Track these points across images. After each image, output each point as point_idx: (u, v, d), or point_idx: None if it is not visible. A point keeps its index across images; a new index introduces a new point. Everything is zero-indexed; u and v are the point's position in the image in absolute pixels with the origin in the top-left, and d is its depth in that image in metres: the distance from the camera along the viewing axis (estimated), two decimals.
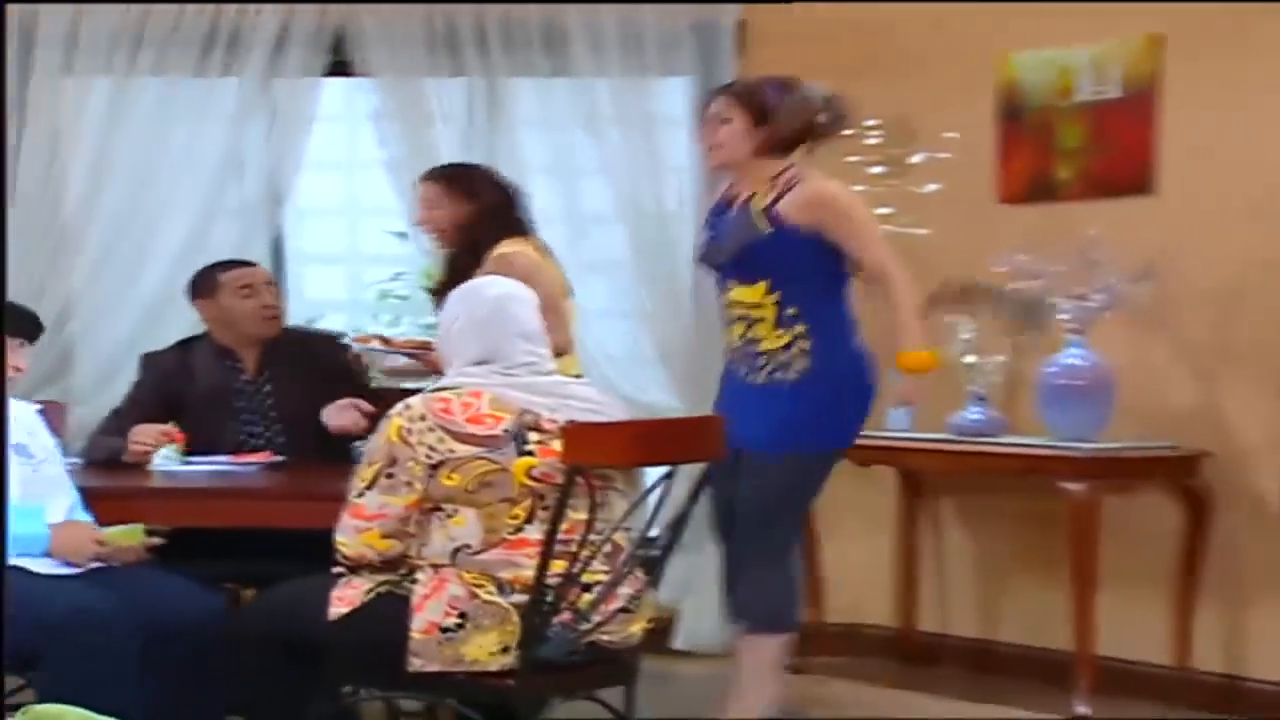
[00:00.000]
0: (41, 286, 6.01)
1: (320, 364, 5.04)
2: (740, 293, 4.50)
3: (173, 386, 4.96)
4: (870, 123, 5.84)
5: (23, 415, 4.13)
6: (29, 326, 4.16)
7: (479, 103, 6.12)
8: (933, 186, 5.77)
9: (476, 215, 5.00)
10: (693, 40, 6.07)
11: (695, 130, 5.17)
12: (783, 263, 4.43)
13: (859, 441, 5.63)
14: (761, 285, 4.46)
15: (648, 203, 6.03)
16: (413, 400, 3.72)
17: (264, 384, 5.00)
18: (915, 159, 5.84)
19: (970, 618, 5.95)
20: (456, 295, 3.94)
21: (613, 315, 5.98)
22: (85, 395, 6.07)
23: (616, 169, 6.03)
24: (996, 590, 5.90)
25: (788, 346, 4.47)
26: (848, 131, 5.82)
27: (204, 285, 5.06)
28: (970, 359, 5.55)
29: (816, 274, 4.48)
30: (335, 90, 6.31)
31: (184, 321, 5.96)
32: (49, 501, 4.00)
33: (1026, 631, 5.78)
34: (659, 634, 5.56)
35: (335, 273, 6.70)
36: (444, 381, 3.82)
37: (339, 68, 6.10)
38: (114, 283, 6.05)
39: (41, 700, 3.60)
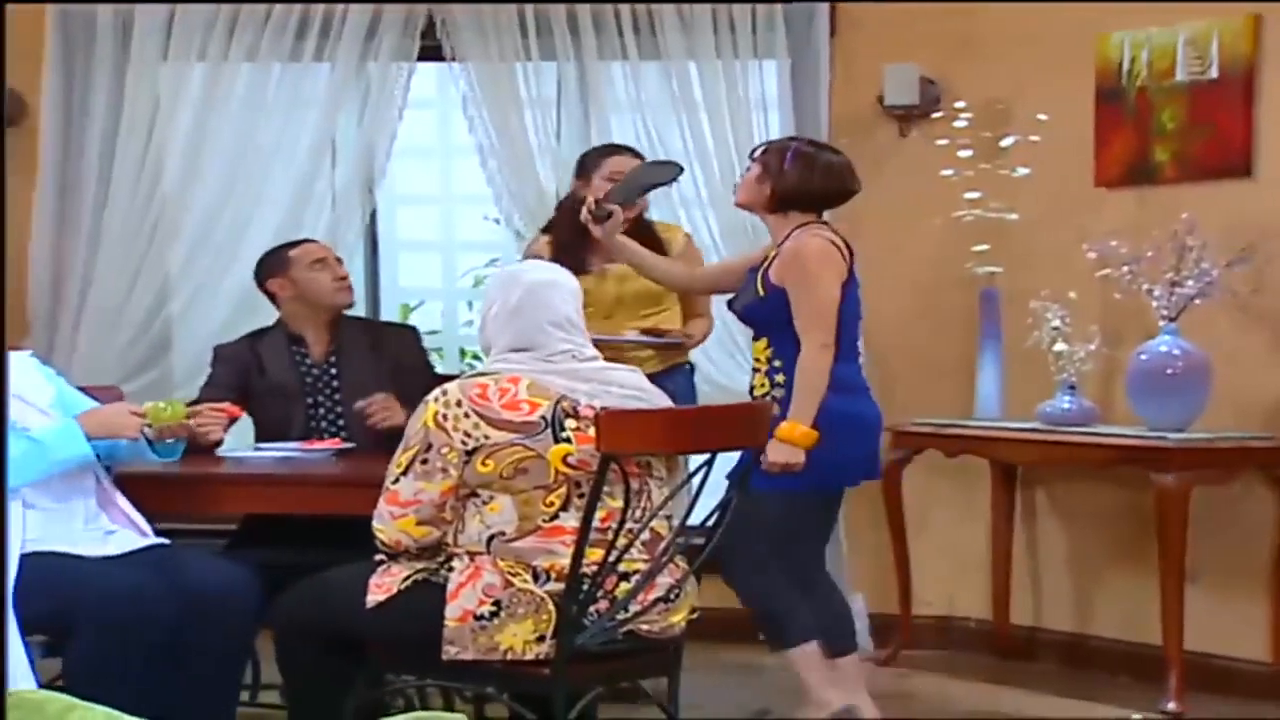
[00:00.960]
0: (139, 270, 6.12)
1: (389, 353, 5.03)
2: (755, 347, 4.75)
3: (243, 377, 4.98)
4: (960, 105, 5.75)
5: (15, 373, 4.07)
6: None
7: (570, 87, 6.11)
8: (1024, 171, 5.65)
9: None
10: (786, 23, 5.99)
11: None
12: (773, 321, 4.63)
13: (948, 430, 5.59)
14: (764, 340, 4.69)
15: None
16: (449, 386, 3.71)
17: (331, 370, 5.01)
18: (1007, 142, 5.72)
19: (1064, 611, 5.82)
20: (494, 280, 3.92)
21: None
22: (183, 379, 6.17)
23: (707, 152, 5.98)
24: (1090, 583, 5.76)
25: (766, 394, 4.64)
26: (937, 115, 5.78)
27: (275, 264, 5.06)
28: (1061, 346, 5.42)
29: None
30: (427, 76, 6.31)
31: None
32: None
33: (1121, 626, 5.64)
34: (751, 626, 5.50)
35: (429, 259, 6.69)
36: (482, 367, 3.81)
37: (431, 53, 6.12)
38: (209, 268, 6.14)
39: (67, 677, 3.63)
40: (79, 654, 3.71)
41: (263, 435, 4.91)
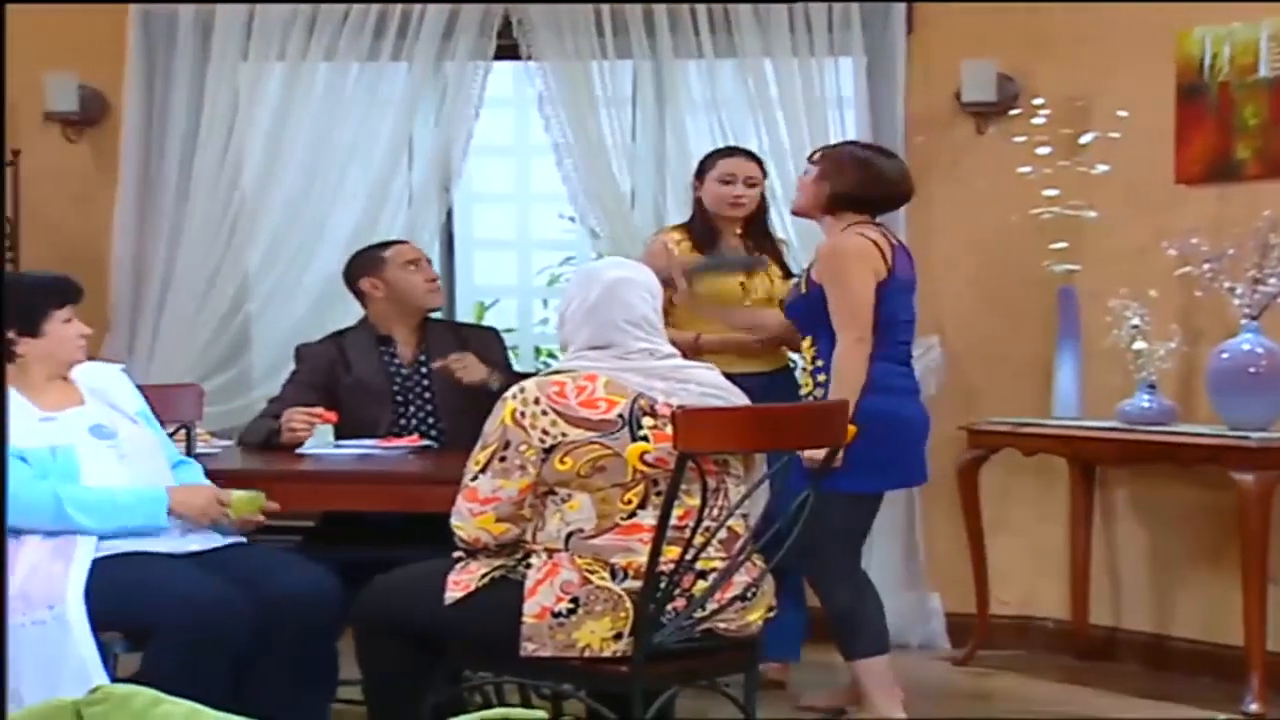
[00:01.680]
0: (218, 269, 6.17)
1: (475, 347, 5.03)
2: (804, 344, 4.84)
3: (328, 377, 5.00)
4: (1039, 102, 5.72)
5: (101, 381, 4.10)
6: (70, 292, 4.09)
7: (646, 85, 6.10)
8: (1104, 168, 5.60)
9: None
10: (862, 21, 5.97)
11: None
12: (815, 319, 4.71)
13: (1026, 429, 5.56)
14: (809, 339, 4.79)
15: None
16: (527, 383, 3.72)
17: (421, 371, 5.01)
18: (1086, 139, 5.68)
19: (1144, 612, 5.77)
20: (574, 277, 3.93)
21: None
22: (261, 377, 6.22)
23: (782, 151, 5.96)
24: (1171, 583, 5.70)
25: (809, 394, 4.74)
26: (1015, 112, 5.74)
27: (367, 264, 5.08)
28: (1140, 345, 5.37)
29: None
30: (504, 75, 6.33)
31: (355, 307, 6.09)
32: (137, 474, 3.97)
33: (1201, 626, 5.58)
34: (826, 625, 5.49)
35: (505, 258, 6.71)
36: (559, 365, 3.82)
37: (507, 52, 6.14)
38: (287, 267, 6.18)
39: (143, 678, 3.66)
40: (160, 659, 3.73)
41: (347, 435, 4.93)
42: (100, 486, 3.88)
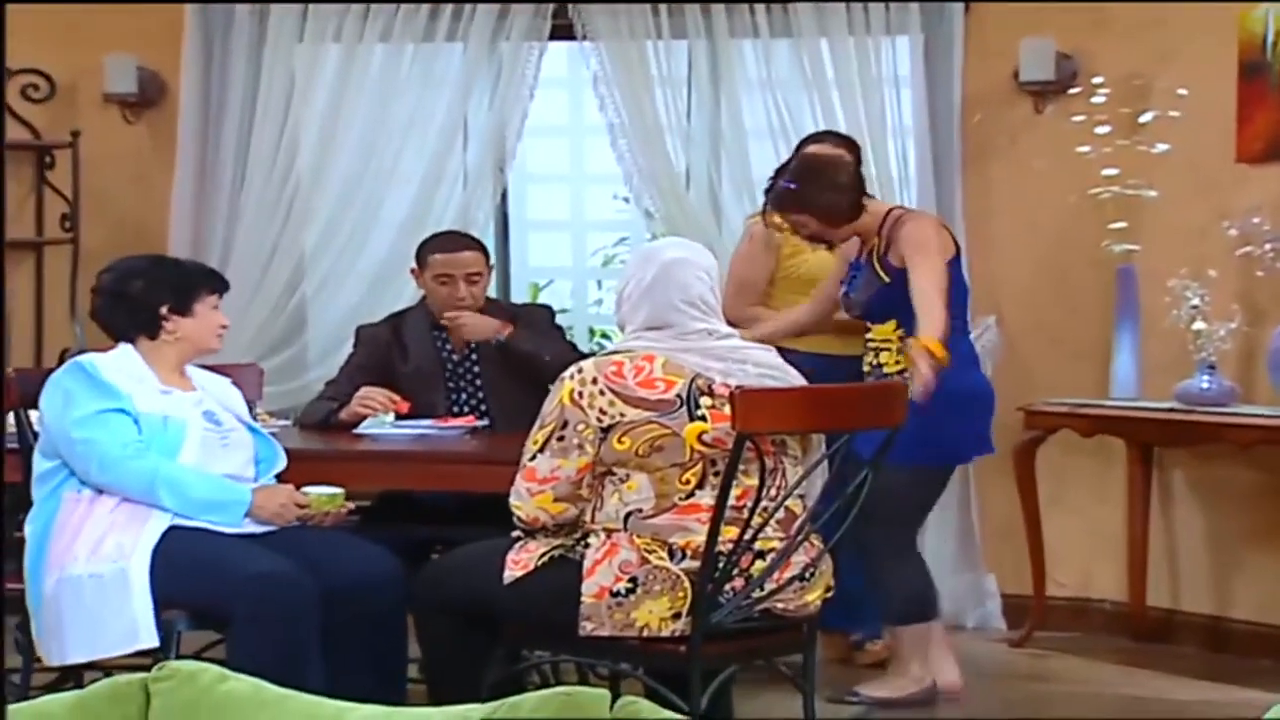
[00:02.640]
0: (274, 250, 6.19)
1: (524, 330, 4.97)
2: (876, 331, 4.83)
3: (385, 359, 4.99)
4: (1098, 80, 5.67)
5: (214, 385, 4.23)
6: (221, 281, 4.25)
7: (701, 65, 6.08)
8: (1164, 146, 5.55)
9: None
10: None
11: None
12: (902, 303, 4.70)
13: (1084, 410, 5.53)
14: (891, 323, 4.79)
15: (871, 165, 5.89)
16: (585, 364, 3.73)
17: (471, 356, 4.98)
18: (1146, 118, 5.63)
19: (1202, 594, 5.73)
20: (632, 258, 3.93)
21: None
22: (317, 359, 6.24)
23: (839, 130, 5.91)
24: (1230, 565, 5.66)
25: (902, 372, 4.70)
26: (1074, 91, 5.70)
27: (419, 255, 5.05)
28: (1200, 325, 5.33)
29: None
30: (558, 55, 6.32)
31: (410, 288, 6.10)
32: (230, 467, 4.08)
33: (1261, 608, 5.55)
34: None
35: (559, 239, 6.70)
36: (617, 345, 3.82)
37: (562, 32, 6.13)
38: (343, 248, 6.19)
39: (228, 659, 3.71)
40: (236, 643, 3.80)
41: (404, 419, 4.93)
42: (194, 470, 3.97)
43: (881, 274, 4.77)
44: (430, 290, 4.96)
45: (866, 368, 4.85)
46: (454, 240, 5.07)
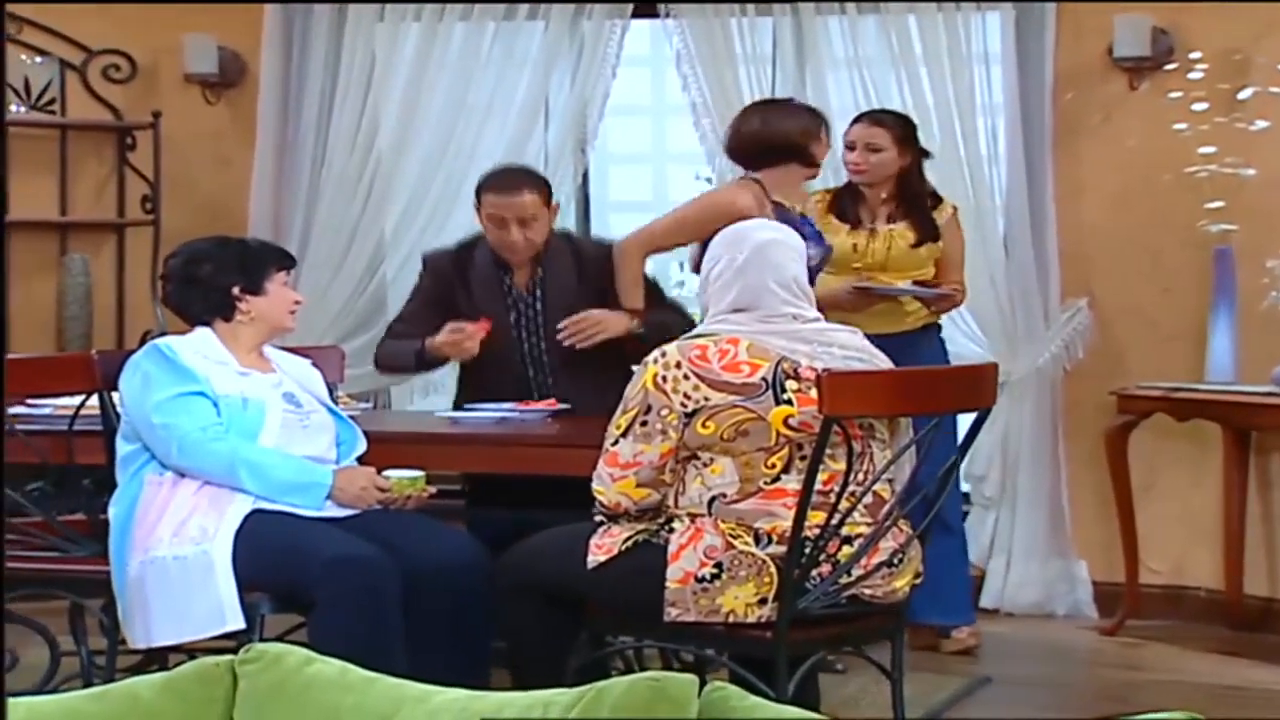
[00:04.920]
0: (355, 231, 6.16)
1: (594, 275, 4.80)
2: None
3: (450, 291, 4.81)
4: (1195, 56, 5.54)
5: (294, 367, 4.20)
6: (289, 258, 4.21)
7: (786, 42, 5.99)
8: (1263, 124, 5.42)
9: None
10: None
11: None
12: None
13: (1179, 395, 5.42)
14: None
15: (959, 143, 5.82)
16: (669, 347, 3.67)
17: (535, 294, 4.80)
18: (1245, 94, 5.50)
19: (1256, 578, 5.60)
20: (720, 239, 3.85)
21: None
22: None
23: (926, 109, 5.82)
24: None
25: None
26: (1170, 67, 5.58)
27: (476, 193, 4.81)
28: None
29: None
30: (641, 33, 6.26)
31: None
32: (311, 449, 4.05)
33: None
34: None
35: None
36: (701, 328, 3.75)
37: (644, 10, 6.06)
38: (423, 229, 6.14)
39: (311, 642, 3.68)
40: (318, 626, 3.78)
41: (476, 379, 4.79)
42: (275, 452, 3.95)
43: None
44: (486, 228, 4.76)
45: None
46: (509, 179, 4.77)
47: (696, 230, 4.64)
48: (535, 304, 4.81)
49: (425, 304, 4.84)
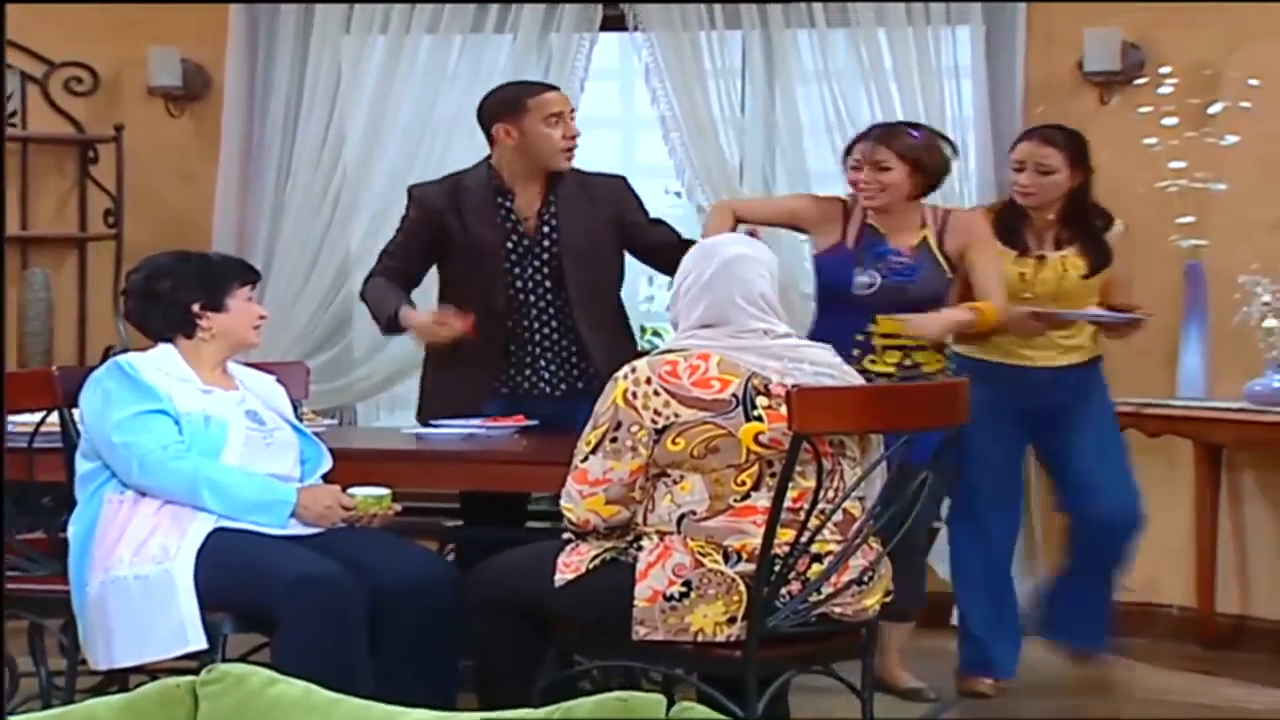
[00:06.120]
0: (320, 245, 6.12)
1: (605, 207, 4.72)
2: (897, 326, 4.62)
3: (438, 220, 4.69)
4: (1165, 70, 5.54)
5: (258, 383, 4.16)
6: (252, 272, 4.16)
7: (755, 56, 5.98)
8: (1233, 139, 5.42)
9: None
10: None
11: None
12: (946, 296, 4.73)
13: (1150, 410, 5.41)
14: None
15: None
16: (639, 363, 3.65)
17: (544, 230, 4.68)
18: (1215, 109, 5.50)
19: (1273, 599, 5.59)
20: (691, 253, 3.82)
21: None
22: (364, 356, 6.16)
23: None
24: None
25: (944, 370, 4.73)
26: (1140, 81, 5.57)
27: (508, 108, 4.63)
28: (1271, 323, 5.19)
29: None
30: (609, 46, 6.22)
31: None
32: (275, 467, 4.00)
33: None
34: (937, 611, 5.36)
35: None
36: (671, 344, 3.72)
37: (613, 23, 6.04)
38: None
39: (275, 662, 3.63)
40: (282, 646, 3.72)
41: (464, 307, 4.61)
42: (238, 470, 3.90)
43: (946, 267, 4.70)
44: (537, 137, 4.60)
45: (890, 369, 4.65)
46: (534, 82, 4.91)
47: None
48: (543, 233, 4.69)
49: (412, 236, 4.75)
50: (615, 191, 4.79)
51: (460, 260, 4.70)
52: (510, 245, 4.66)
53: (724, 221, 4.74)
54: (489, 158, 4.74)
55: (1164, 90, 5.52)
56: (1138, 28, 5.72)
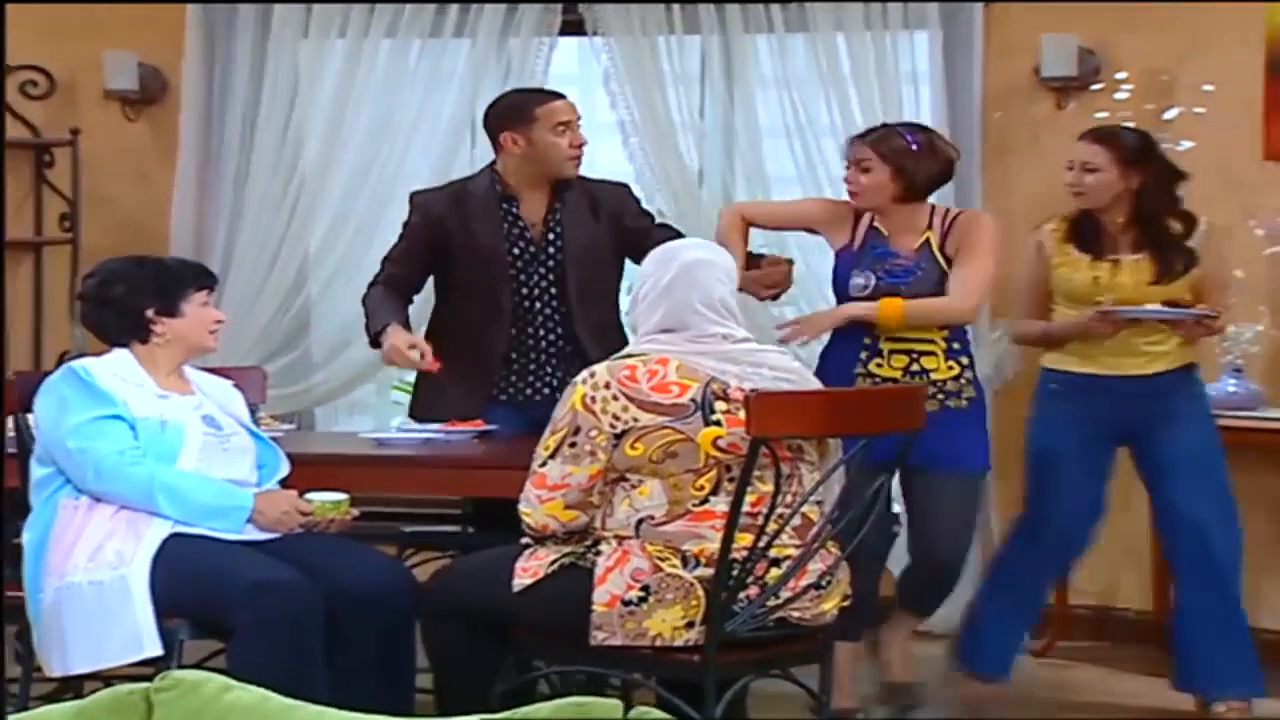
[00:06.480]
0: (278, 250, 6.10)
1: (609, 213, 4.72)
2: (914, 331, 4.61)
3: (443, 233, 4.66)
4: (1121, 76, 5.57)
5: (215, 388, 4.13)
6: (208, 276, 4.14)
7: (714, 61, 5.97)
8: (1188, 144, 5.44)
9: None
10: None
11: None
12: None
13: None
14: None
15: None
16: (597, 368, 3.64)
17: (549, 236, 4.67)
18: (1170, 115, 5.52)
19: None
20: (650, 257, 3.82)
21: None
22: (323, 360, 6.14)
23: (855, 129, 5.77)
24: (1258, 573, 5.52)
25: (957, 377, 4.63)
26: (1096, 87, 5.59)
27: (515, 116, 4.64)
28: (1227, 327, 5.20)
29: None
30: (569, 51, 6.22)
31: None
32: (232, 472, 3.98)
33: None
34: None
35: None
36: (631, 349, 3.72)
37: (572, 28, 6.04)
38: (348, 247, 6.09)
39: (231, 669, 3.61)
40: (238, 653, 3.70)
41: (467, 313, 4.64)
42: (194, 475, 3.88)
43: (948, 269, 4.62)
44: (545, 146, 4.62)
45: (896, 373, 4.59)
46: (542, 92, 4.89)
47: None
48: (548, 239, 4.68)
49: (414, 242, 4.72)
50: (618, 198, 4.81)
51: (464, 266, 4.68)
52: (516, 252, 4.66)
53: (734, 225, 4.73)
54: (493, 164, 4.74)
55: (1120, 96, 5.54)
56: (1094, 33, 5.75)
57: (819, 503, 3.68)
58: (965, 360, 4.65)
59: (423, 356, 4.51)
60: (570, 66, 6.28)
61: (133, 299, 3.97)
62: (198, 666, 3.61)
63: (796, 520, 3.61)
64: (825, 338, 4.78)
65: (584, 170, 6.22)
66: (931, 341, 4.60)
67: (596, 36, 5.99)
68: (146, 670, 3.59)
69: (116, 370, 3.94)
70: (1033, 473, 4.92)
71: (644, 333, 3.69)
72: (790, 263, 4.74)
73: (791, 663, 3.80)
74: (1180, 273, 4.72)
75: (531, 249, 4.67)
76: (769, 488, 3.54)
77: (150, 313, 3.97)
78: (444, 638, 3.78)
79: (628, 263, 4.77)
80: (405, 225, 4.81)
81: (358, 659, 3.81)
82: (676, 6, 5.91)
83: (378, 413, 6.48)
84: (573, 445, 3.58)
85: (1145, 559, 5.72)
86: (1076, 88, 5.76)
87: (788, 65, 5.91)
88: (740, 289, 3.95)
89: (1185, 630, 4.85)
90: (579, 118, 4.74)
